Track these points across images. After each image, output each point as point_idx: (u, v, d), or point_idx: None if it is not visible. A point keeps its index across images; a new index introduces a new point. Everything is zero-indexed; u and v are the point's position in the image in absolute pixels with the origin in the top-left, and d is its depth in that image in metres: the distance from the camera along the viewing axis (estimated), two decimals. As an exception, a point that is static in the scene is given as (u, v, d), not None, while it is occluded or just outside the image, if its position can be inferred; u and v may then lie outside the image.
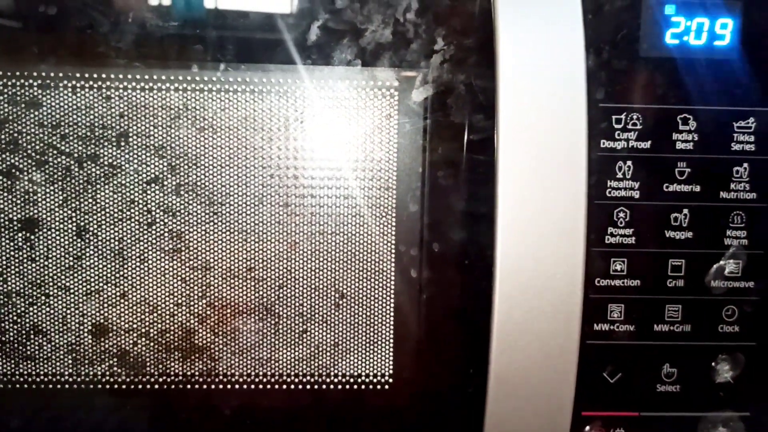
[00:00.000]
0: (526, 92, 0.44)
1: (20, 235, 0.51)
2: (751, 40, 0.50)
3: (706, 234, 0.51)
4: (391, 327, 0.53)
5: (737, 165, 0.51)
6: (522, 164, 0.44)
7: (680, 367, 0.52)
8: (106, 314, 0.52)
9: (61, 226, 0.51)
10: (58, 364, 0.52)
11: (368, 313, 0.53)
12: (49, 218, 0.51)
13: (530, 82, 0.44)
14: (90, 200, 0.51)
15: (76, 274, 0.51)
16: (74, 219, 0.51)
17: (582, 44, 0.44)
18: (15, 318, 0.52)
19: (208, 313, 0.52)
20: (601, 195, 0.50)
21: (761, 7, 0.50)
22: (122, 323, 0.52)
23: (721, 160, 0.51)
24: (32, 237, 0.51)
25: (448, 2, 0.48)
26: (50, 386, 0.52)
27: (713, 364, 0.52)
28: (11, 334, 0.52)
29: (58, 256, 0.51)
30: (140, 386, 0.52)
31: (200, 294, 0.52)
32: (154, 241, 0.51)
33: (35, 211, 0.51)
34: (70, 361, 0.52)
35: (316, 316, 0.53)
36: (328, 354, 0.53)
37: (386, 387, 0.53)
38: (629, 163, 0.50)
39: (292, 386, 0.53)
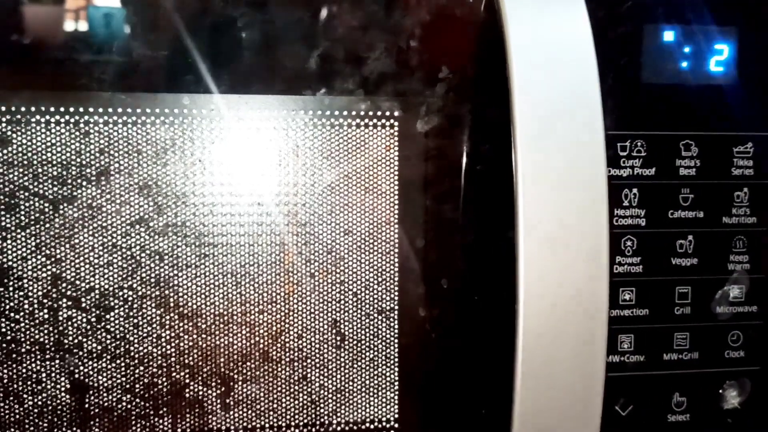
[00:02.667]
0: (543, 121, 0.43)
1: (-14, 286, 0.46)
2: (747, 64, 0.50)
3: (710, 260, 0.51)
4: (397, 369, 0.50)
5: (738, 190, 0.51)
6: (542, 196, 0.42)
7: (689, 396, 0.51)
8: (85, 371, 0.47)
9: (34, 275, 0.46)
10: (32, 428, 0.47)
11: (372, 356, 0.50)
12: (20, 267, 0.46)
13: (546, 111, 0.43)
14: (66, 246, 0.46)
15: (51, 328, 0.46)
16: (49, 267, 0.46)
17: (595, 70, 0.43)
18: (-20, 379, 0.46)
19: (200, 363, 0.48)
20: (608, 224, 0.49)
21: (755, 33, 0.50)
22: (104, 380, 0.47)
23: (722, 185, 0.50)
24: (1, 288, 0.46)
25: (453, 29, 0.47)
26: (21, 453, 0.47)
27: (721, 390, 0.52)
28: (-24, 397, 0.46)
29: (31, 308, 0.46)
30: (124, 447, 0.48)
31: (190, 343, 0.48)
32: (138, 288, 0.47)
33: (4, 260, 0.45)
34: (45, 425, 0.47)
35: (316, 360, 0.49)
36: (330, 400, 0.50)
37: (392, 432, 0.50)
38: (635, 190, 0.49)
39: (292, 437, 0.50)
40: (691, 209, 0.50)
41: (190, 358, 0.48)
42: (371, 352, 0.50)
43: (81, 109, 0.45)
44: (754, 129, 0.50)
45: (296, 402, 0.49)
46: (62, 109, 0.45)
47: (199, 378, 0.48)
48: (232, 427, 0.49)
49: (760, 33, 0.50)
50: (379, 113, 0.48)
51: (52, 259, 0.46)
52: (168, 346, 0.48)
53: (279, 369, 0.49)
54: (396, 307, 0.49)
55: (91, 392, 0.47)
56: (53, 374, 0.47)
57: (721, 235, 0.51)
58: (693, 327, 0.51)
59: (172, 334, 0.48)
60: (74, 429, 0.47)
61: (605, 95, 0.48)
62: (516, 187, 0.42)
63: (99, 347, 0.47)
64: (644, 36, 0.49)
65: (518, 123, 0.42)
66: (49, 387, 0.47)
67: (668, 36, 0.49)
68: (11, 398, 0.46)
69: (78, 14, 0.45)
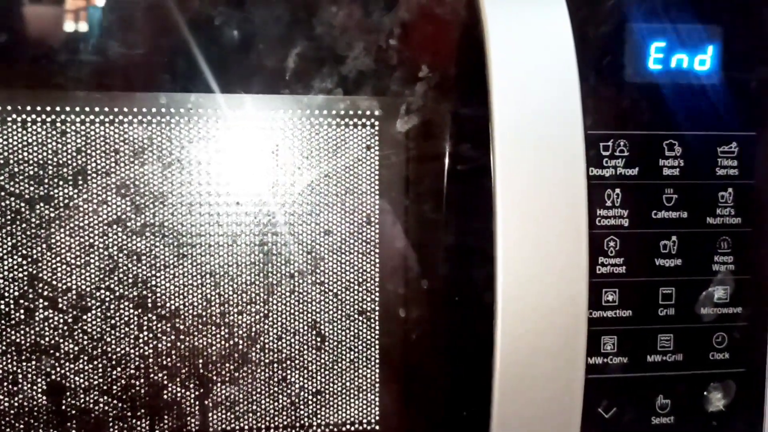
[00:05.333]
0: (522, 121, 0.42)
1: (-38, 286, 0.45)
2: (732, 64, 0.50)
3: (694, 261, 0.50)
4: (377, 370, 0.49)
5: (722, 190, 0.50)
6: (521, 196, 0.42)
7: (674, 398, 0.51)
8: (62, 372, 0.47)
9: (11, 275, 0.45)
10: (8, 430, 0.46)
11: (352, 357, 0.49)
12: (-4, 267, 0.45)
13: (526, 111, 0.42)
14: (43, 246, 0.46)
15: (28, 329, 0.46)
16: (25, 267, 0.46)
17: (575, 70, 0.43)
18: (-44, 380, 0.46)
19: (178, 364, 0.48)
20: (591, 224, 0.48)
21: (739, 32, 0.50)
22: (81, 381, 0.47)
23: (706, 185, 0.50)
24: (-24, 289, 0.45)
25: (433, 28, 0.46)
26: (-2, 455, 0.47)
27: (705, 393, 0.51)
28: (-48, 398, 0.46)
29: (7, 309, 0.46)
30: (102, 449, 0.47)
31: (169, 344, 0.47)
32: (116, 289, 0.46)
33: (-20, 260, 0.45)
34: (21, 426, 0.46)
35: (296, 362, 0.49)
36: (310, 402, 0.49)
37: (373, 435, 0.50)
38: (618, 190, 0.49)
39: (272, 439, 0.49)
40: (675, 209, 0.50)
41: (169, 360, 0.48)
42: (352, 353, 0.49)
43: (58, 108, 0.45)
44: (739, 129, 0.50)
45: (276, 404, 0.49)
46: (39, 108, 0.45)
47: (178, 379, 0.48)
48: (211, 429, 0.48)
49: (745, 31, 0.50)
50: (359, 112, 0.47)
51: (29, 260, 0.46)
52: (146, 347, 0.47)
53: (258, 370, 0.49)
54: (377, 308, 0.49)
55: (68, 393, 0.47)
56: (30, 375, 0.46)
57: (706, 235, 0.50)
58: (677, 328, 0.50)
59: (150, 335, 0.47)
60: (51, 431, 0.47)
61: (587, 95, 0.48)
62: (494, 188, 0.42)
63: (76, 348, 0.47)
64: (627, 35, 0.48)
65: (497, 122, 0.42)
66: (25, 388, 0.46)
67: (651, 35, 0.49)
68: (-13, 399, 0.46)
69: (56, 13, 0.45)
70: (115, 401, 0.47)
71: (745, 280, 0.51)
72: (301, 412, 0.49)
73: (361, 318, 0.49)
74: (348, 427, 0.50)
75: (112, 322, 0.47)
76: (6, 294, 0.46)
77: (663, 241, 0.50)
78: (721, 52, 0.50)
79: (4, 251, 0.45)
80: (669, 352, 0.50)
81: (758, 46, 0.50)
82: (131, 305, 0.47)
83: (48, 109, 0.45)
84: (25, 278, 0.46)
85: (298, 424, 0.49)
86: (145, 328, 0.47)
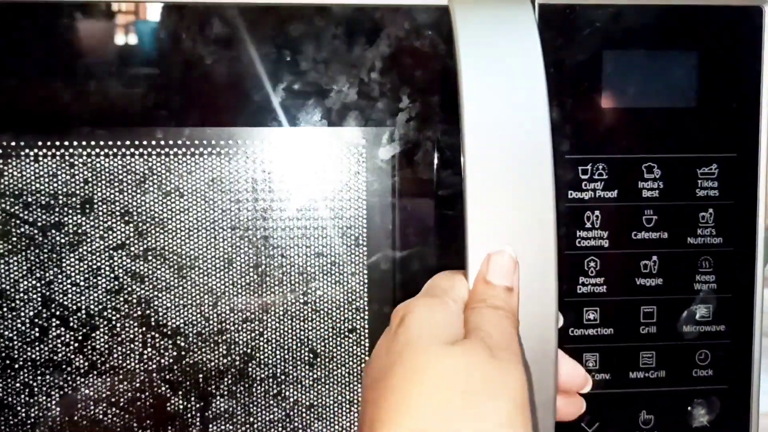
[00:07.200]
0: (492, 148, 0.44)
1: (-17, 307, 0.50)
2: (710, 88, 0.51)
3: (675, 280, 0.51)
4: (367, 385, 0.52)
5: (703, 211, 0.51)
6: (490, 220, 0.44)
7: (657, 414, 0.52)
8: (74, 385, 0.50)
9: (26, 296, 0.50)
10: (25, 438, 0.51)
11: (343, 372, 0.52)
12: (12, 289, 0.49)
13: (496, 139, 0.44)
14: (55, 269, 0.50)
15: (42, 346, 0.50)
16: (39, 289, 0.50)
17: (545, 100, 0.45)
18: (-21, 393, 0.50)
19: (180, 379, 0.51)
20: (571, 245, 0.50)
21: (717, 56, 0.51)
22: (91, 394, 0.51)
23: (686, 206, 0.51)
24: (-4, 309, 0.50)
25: (411, 61, 0.49)
26: (17, 461, 0.51)
27: (689, 408, 0.52)
28: (-25, 409, 0.50)
29: (24, 328, 0.50)
30: (111, 457, 0.51)
31: (171, 360, 0.51)
32: (121, 308, 0.50)
33: (-2, 283, 0.49)
34: (37, 436, 0.51)
35: (290, 377, 0.52)
36: (304, 415, 0.52)
37: (364, 446, 0.52)
38: (597, 212, 0.51)
39: (268, 450, 0.52)
40: (655, 230, 0.51)
41: (171, 374, 0.51)
42: (343, 369, 0.52)
43: (66, 143, 0.49)
44: (719, 151, 0.51)
45: (272, 416, 0.52)
46: (49, 143, 0.48)
47: (180, 392, 0.51)
48: (211, 440, 0.52)
49: (722, 55, 0.51)
50: (345, 142, 0.50)
51: (43, 282, 0.50)
52: (150, 363, 0.51)
53: (255, 385, 0.52)
54: (366, 326, 0.52)
55: (79, 405, 0.51)
56: (45, 388, 0.50)
57: (687, 255, 0.51)
58: (659, 346, 0.52)
59: (154, 352, 0.51)
60: (64, 440, 0.51)
61: (565, 121, 0.50)
62: (465, 212, 0.44)
63: (86, 363, 0.50)
64: (604, 62, 0.50)
65: (468, 149, 0.44)
66: (41, 400, 0.50)
67: (628, 61, 0.50)
68: (6, 410, 0.50)
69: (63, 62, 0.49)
70: (122, 413, 0.51)
71: (728, 299, 0.52)
72: (296, 425, 0.52)
73: (351, 336, 0.52)
74: (340, 438, 0.52)
75: (119, 339, 0.50)
76: (22, 314, 0.50)
77: (644, 261, 0.51)
78: (699, 77, 0.51)
79: (20, 275, 0.49)
80: (651, 369, 0.52)
81: (735, 70, 0.51)
82: (136, 324, 0.50)
83: (57, 143, 0.49)
84: (39, 299, 0.50)
85: (292, 436, 0.52)
86: (149, 344, 0.51)
